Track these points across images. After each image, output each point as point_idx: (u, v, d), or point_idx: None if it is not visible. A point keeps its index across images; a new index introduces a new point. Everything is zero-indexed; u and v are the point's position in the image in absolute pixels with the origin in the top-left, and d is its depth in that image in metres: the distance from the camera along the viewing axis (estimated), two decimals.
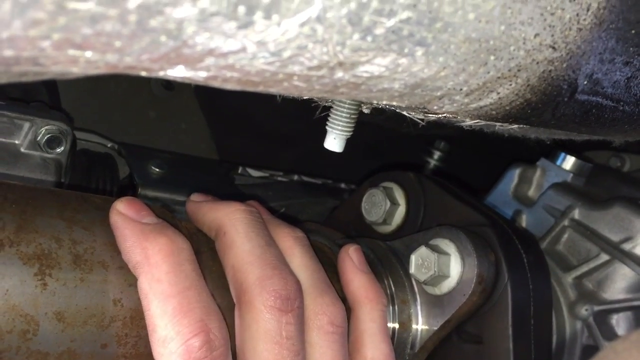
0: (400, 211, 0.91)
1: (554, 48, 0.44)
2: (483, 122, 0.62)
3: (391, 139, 1.36)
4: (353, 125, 0.58)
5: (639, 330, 0.32)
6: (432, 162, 1.32)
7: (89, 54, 0.32)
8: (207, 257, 0.67)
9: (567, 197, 0.99)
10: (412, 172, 0.93)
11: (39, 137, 0.83)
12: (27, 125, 0.82)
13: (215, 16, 0.33)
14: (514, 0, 0.40)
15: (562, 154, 1.05)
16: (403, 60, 0.40)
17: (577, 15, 0.43)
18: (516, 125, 0.64)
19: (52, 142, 0.83)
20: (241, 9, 0.33)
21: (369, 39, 0.37)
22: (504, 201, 1.08)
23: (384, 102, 0.47)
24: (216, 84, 0.39)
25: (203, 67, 0.36)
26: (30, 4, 0.29)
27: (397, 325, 0.79)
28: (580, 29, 0.44)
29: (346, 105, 0.57)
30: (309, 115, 0.70)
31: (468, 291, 0.76)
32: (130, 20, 0.31)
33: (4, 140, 0.82)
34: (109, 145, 0.98)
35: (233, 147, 1.23)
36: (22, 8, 0.29)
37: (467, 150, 1.35)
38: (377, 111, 0.68)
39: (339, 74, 0.39)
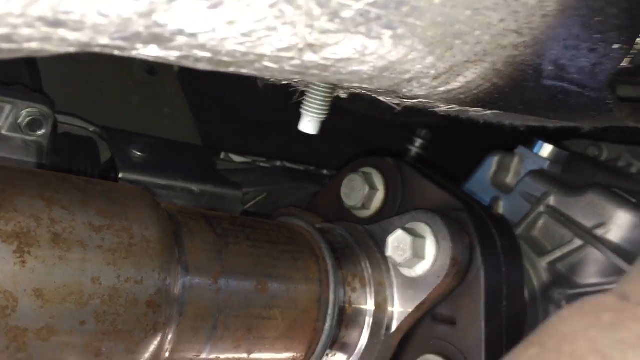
0: (379, 196, 0.93)
1: (518, 33, 0.45)
2: (457, 108, 0.63)
3: (374, 126, 1.37)
4: (327, 108, 0.60)
5: (583, 299, 0.34)
6: (414, 150, 1.33)
7: (61, 31, 0.33)
8: (187, 233, 0.69)
9: (543, 184, 1.00)
10: (391, 158, 0.94)
11: (19, 120, 0.83)
12: (8, 107, 0.83)
13: None
14: None
15: (540, 142, 1.07)
16: (371, 43, 0.41)
17: (541, 1, 0.44)
18: (489, 111, 0.65)
19: (33, 125, 0.84)
20: None
21: (337, 21, 0.39)
22: (482, 188, 1.09)
23: (355, 85, 0.48)
24: (188, 63, 0.40)
25: (175, 47, 0.37)
26: None
27: (373, 307, 0.81)
28: (544, 15, 0.45)
29: (320, 89, 0.58)
30: (291, 101, 0.71)
31: (442, 273, 0.78)
32: None
33: None
34: (90, 129, 0.99)
35: (216, 132, 1.24)
36: None
37: (449, 139, 1.36)
38: (358, 98, 0.70)
39: (309, 55, 0.41)
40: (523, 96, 0.52)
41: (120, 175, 0.92)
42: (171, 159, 1.03)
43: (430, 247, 0.79)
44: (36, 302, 0.58)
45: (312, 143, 0.97)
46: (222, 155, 1.17)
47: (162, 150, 1.03)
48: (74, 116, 0.97)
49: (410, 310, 0.80)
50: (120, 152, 0.95)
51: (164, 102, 1.17)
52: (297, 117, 0.74)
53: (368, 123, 1.30)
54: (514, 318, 0.82)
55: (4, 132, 0.83)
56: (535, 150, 1.08)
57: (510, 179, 1.08)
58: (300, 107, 0.61)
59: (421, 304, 0.79)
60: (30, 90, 0.87)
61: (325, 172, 1.31)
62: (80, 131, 1.00)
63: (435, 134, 1.36)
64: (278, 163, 1.25)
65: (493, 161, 1.09)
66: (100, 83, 1.10)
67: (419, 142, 1.34)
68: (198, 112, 1.21)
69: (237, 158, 1.19)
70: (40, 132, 0.84)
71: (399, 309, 0.81)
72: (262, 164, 1.22)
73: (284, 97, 0.77)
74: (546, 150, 1.08)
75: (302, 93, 0.68)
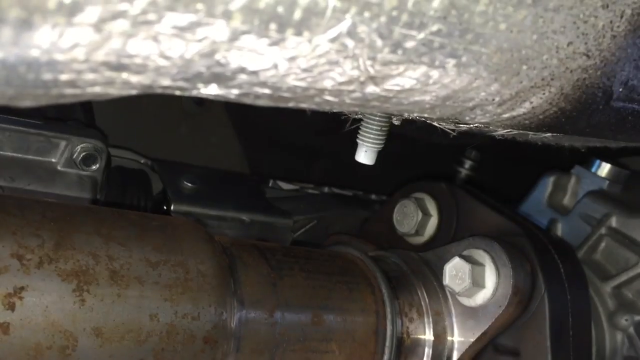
0: (433, 222, 0.90)
1: (587, 56, 0.43)
2: (515, 131, 0.61)
3: (421, 149, 1.35)
4: (384, 138, 0.58)
5: None
6: (464, 172, 1.30)
7: (125, 75, 0.33)
8: (241, 265, 0.69)
9: (603, 205, 0.96)
10: (444, 182, 0.92)
11: (74, 155, 0.84)
12: (63, 143, 0.84)
13: (246, 34, 0.33)
14: (546, 9, 0.39)
15: (597, 161, 1.03)
16: (434, 73, 0.40)
17: (611, 22, 0.42)
18: (550, 134, 0.63)
19: (87, 160, 0.85)
20: (272, 27, 0.33)
21: (400, 52, 0.37)
22: (538, 210, 1.06)
23: (415, 115, 0.46)
24: (248, 101, 0.39)
25: (235, 85, 0.37)
26: (68, 28, 0.30)
27: (432, 338, 0.79)
28: (614, 36, 0.43)
29: (377, 118, 0.57)
30: (338, 127, 0.70)
31: (504, 302, 0.75)
32: (163, 41, 0.32)
33: (41, 158, 0.84)
34: (142, 162, 1.00)
35: (263, 160, 1.24)
36: (61, 32, 0.30)
37: (500, 159, 1.33)
38: (407, 121, 0.68)
39: (370, 87, 0.39)
40: (591, 119, 0.50)
41: (172, 208, 0.92)
42: (221, 189, 1.03)
43: (490, 275, 0.76)
44: (95, 341, 0.58)
45: (359, 168, 0.96)
46: (271, 183, 1.17)
47: (211, 180, 1.03)
48: (126, 149, 0.99)
49: (471, 340, 0.77)
50: (172, 184, 0.95)
51: (212, 132, 1.18)
52: (344, 142, 0.73)
53: (415, 145, 1.28)
54: (582, 348, 0.78)
55: (59, 167, 0.84)
56: (592, 170, 1.04)
57: (567, 200, 1.05)
58: (357, 138, 0.60)
59: (483, 334, 0.76)
60: (84, 125, 0.89)
61: (373, 197, 1.29)
62: (132, 164, 1.01)
63: (484, 155, 1.33)
64: (326, 189, 1.24)
65: (548, 182, 1.06)
66: (150, 115, 1.12)
67: (468, 163, 1.31)
68: (245, 140, 1.21)
69: (285, 185, 1.19)
70: (94, 167, 0.85)
71: (459, 339, 0.78)
72: (310, 191, 1.21)
73: (329, 123, 0.76)
74: (604, 169, 1.04)
75: (354, 121, 0.67)
